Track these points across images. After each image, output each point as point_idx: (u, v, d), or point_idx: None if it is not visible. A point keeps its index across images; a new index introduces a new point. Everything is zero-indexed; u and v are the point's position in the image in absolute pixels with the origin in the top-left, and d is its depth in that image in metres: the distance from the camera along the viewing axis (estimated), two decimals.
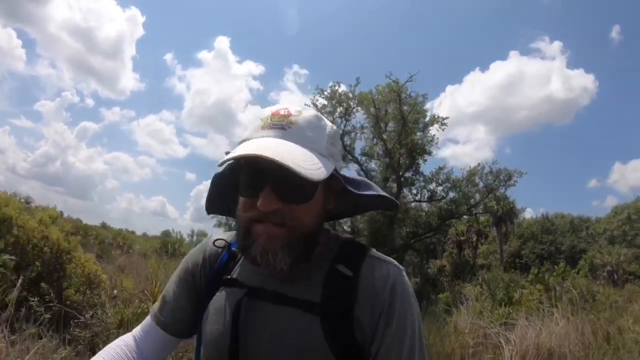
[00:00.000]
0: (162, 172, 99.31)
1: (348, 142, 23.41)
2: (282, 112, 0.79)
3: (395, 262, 0.86)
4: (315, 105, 22.10)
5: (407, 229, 24.34)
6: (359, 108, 22.60)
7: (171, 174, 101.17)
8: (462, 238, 30.79)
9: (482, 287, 12.50)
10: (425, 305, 12.43)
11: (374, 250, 0.87)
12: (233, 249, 0.92)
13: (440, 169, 23.09)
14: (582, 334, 5.02)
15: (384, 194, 0.86)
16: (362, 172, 22.89)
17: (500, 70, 75.37)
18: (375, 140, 23.43)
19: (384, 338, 0.78)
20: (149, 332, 0.97)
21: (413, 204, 24.05)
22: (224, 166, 0.87)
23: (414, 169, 22.95)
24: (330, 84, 23.02)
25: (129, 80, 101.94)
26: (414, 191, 23.60)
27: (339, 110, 22.90)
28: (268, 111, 0.81)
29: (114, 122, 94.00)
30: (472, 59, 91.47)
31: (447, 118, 22.17)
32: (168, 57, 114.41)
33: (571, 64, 73.39)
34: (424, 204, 24.62)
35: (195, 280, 0.96)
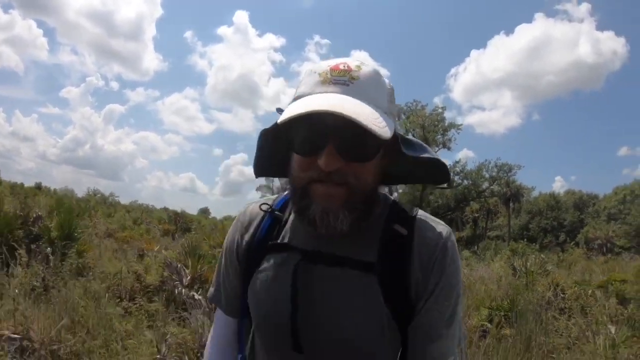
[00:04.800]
0: (190, 149, 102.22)
1: None
2: (341, 67, 0.74)
3: (444, 223, 0.83)
4: None
5: (431, 208, 31.65)
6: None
7: (199, 150, 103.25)
8: (476, 215, 37.46)
9: (477, 252, 19.39)
10: None
11: (421, 211, 0.85)
12: (277, 212, 0.88)
13: (457, 162, 30.00)
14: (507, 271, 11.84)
15: (438, 157, 0.81)
16: None
17: (525, 34, 73.14)
18: None
19: (432, 295, 0.76)
20: (218, 319, 0.98)
21: (436, 190, 31.16)
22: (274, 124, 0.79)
23: None
24: None
25: (152, 61, 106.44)
26: None
27: None
28: (325, 65, 0.75)
29: (139, 103, 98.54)
30: (496, 21, 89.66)
31: (461, 125, 28.98)
32: (188, 34, 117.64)
33: (600, 26, 70.92)
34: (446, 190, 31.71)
35: (234, 257, 0.92)
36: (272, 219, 0.88)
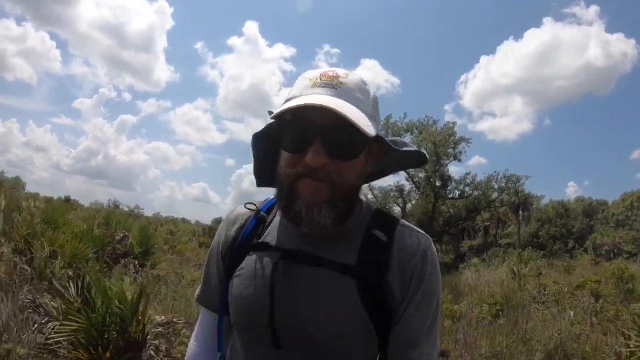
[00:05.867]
0: (202, 159, 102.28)
1: None
2: (330, 74, 0.79)
3: (425, 233, 0.86)
4: None
5: (443, 219, 33.21)
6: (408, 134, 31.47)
7: (211, 160, 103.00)
8: (487, 224, 38.86)
9: (485, 260, 20.95)
10: (454, 273, 20.96)
11: (404, 220, 0.88)
12: (262, 213, 0.91)
13: (467, 174, 31.76)
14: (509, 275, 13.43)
15: (417, 149, 0.86)
16: (410, 180, 31.96)
17: (535, 39, 72.68)
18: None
19: (412, 303, 0.79)
20: (203, 316, 1.02)
21: (447, 201, 32.85)
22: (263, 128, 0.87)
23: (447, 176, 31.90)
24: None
25: (163, 72, 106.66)
26: (449, 191, 32.37)
27: (390, 133, 31.56)
28: (316, 72, 0.80)
29: (151, 114, 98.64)
30: (505, 27, 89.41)
31: (470, 139, 30.72)
32: (199, 45, 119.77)
33: (610, 29, 70.34)
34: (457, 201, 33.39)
35: (219, 255, 0.95)
36: (257, 220, 0.91)
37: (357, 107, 0.75)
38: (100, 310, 3.02)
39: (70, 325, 2.92)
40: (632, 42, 70.72)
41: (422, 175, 32.74)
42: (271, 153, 0.86)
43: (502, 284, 9.68)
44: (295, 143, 0.77)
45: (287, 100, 0.78)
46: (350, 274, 0.78)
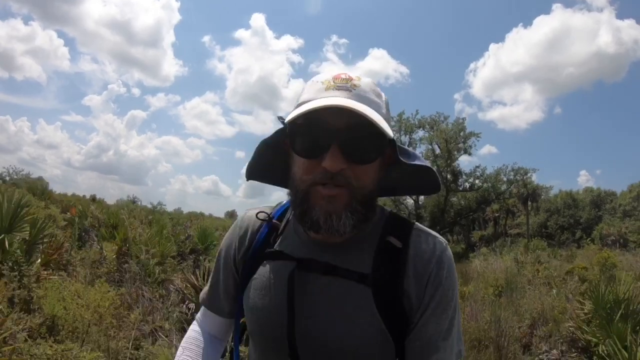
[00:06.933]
0: (212, 152, 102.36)
1: (410, 149, 34.26)
2: (343, 76, 0.77)
3: (440, 236, 0.84)
4: None
5: (454, 210, 34.90)
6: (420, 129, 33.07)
7: (221, 153, 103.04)
8: (497, 214, 40.40)
9: (494, 249, 22.54)
10: (464, 261, 22.57)
11: (418, 224, 0.86)
12: (274, 221, 0.90)
13: (477, 167, 33.47)
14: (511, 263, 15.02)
15: (429, 165, 0.82)
16: None
17: (544, 26, 72.39)
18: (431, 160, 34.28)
19: (428, 308, 0.78)
20: (207, 317, 1.00)
21: (458, 193, 34.55)
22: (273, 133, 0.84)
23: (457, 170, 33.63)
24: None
25: (172, 66, 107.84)
26: (459, 183, 34.00)
27: (403, 129, 33.10)
28: (328, 75, 0.78)
29: (160, 108, 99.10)
30: (514, 14, 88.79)
31: (480, 133, 32.20)
32: (206, 39, 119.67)
33: (621, 15, 71.38)
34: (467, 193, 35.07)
35: (230, 261, 0.94)
36: (270, 227, 0.89)
37: (373, 109, 0.74)
38: None
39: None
40: None
41: (434, 169, 34.42)
42: (276, 158, 0.85)
43: (506, 271, 11.27)
44: (310, 148, 0.75)
45: (298, 105, 0.76)
46: (366, 283, 0.77)
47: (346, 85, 0.76)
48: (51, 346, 2.94)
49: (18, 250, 4.75)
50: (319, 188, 0.75)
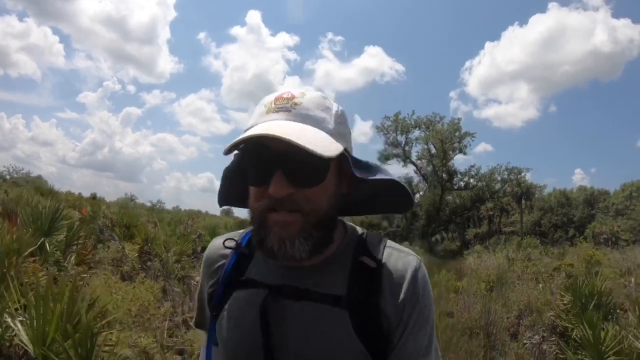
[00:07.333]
0: (208, 150, 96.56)
1: (407, 149, 34.76)
2: (285, 96, 0.77)
3: (413, 253, 0.84)
4: (382, 126, 33.38)
5: (449, 208, 35.70)
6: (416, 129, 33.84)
7: (217, 150, 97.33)
8: (491, 213, 41.14)
9: (487, 247, 23.26)
10: (459, 259, 23.25)
11: (390, 241, 0.86)
12: (241, 248, 0.88)
13: (472, 167, 34.24)
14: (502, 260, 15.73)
15: (395, 178, 0.81)
16: (418, 172, 34.58)
17: (540, 24, 70.60)
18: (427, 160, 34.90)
19: (407, 327, 0.77)
20: (204, 341, 0.96)
21: (453, 191, 35.38)
22: (233, 158, 0.84)
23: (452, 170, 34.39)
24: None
25: (167, 63, 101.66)
26: (454, 182, 34.84)
27: (399, 129, 33.80)
28: (272, 97, 0.78)
29: (156, 105, 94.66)
30: (510, 12, 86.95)
31: (475, 133, 33.03)
32: (202, 36, 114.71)
33: (616, 14, 68.88)
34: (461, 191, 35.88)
35: (204, 296, 0.93)
36: (238, 254, 0.88)
37: (316, 126, 0.73)
38: None
39: None
40: (639, 27, 69.21)
41: (429, 168, 35.15)
42: (239, 181, 0.84)
43: (498, 267, 11.92)
44: (257, 176, 0.74)
45: (246, 130, 0.75)
46: (341, 305, 0.76)
47: (286, 106, 0.75)
48: (111, 333, 3.50)
49: (57, 252, 5.32)
50: (271, 214, 0.73)
